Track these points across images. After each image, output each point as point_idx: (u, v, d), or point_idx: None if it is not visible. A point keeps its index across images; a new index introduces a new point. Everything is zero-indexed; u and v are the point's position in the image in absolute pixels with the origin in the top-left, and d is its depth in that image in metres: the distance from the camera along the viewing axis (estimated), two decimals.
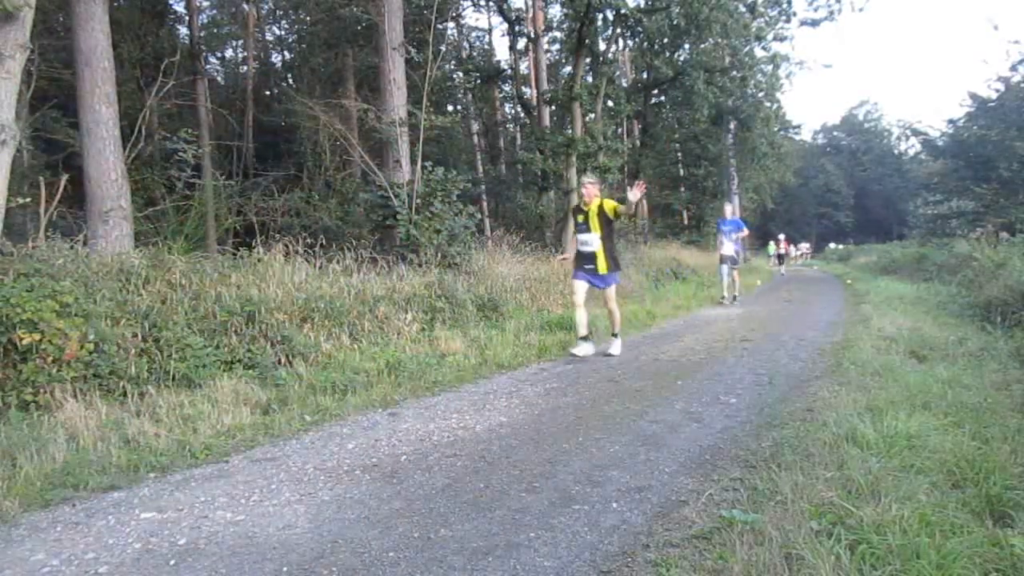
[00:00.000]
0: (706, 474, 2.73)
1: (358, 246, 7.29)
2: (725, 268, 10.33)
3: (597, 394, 4.26)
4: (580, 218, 5.75)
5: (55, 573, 2.00)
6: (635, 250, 14.71)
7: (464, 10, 17.87)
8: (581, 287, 5.67)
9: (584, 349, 5.59)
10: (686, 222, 26.05)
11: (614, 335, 5.81)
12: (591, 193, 5.74)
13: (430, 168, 8.71)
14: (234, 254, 6.27)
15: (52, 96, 9.78)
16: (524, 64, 19.17)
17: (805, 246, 40.40)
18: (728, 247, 10.27)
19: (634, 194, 5.19)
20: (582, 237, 5.72)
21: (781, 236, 23.41)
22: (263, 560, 2.05)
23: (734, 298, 10.50)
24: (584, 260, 5.70)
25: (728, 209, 10.97)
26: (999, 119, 15.76)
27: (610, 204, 5.61)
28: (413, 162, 8.97)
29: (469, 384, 4.65)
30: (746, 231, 10.66)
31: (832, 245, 45.70)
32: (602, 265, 5.62)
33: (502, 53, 29.74)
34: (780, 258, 22.48)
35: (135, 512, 2.44)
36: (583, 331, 5.64)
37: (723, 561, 1.92)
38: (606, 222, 5.62)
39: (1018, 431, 2.92)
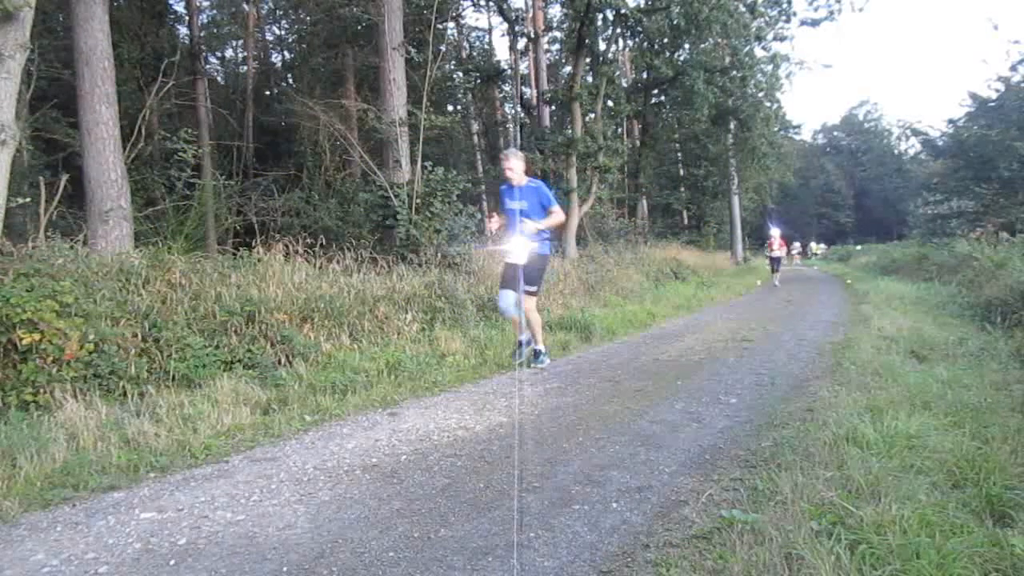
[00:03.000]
0: (706, 474, 2.73)
1: (358, 246, 7.30)
2: (511, 296, 4.88)
3: (597, 394, 4.26)
4: None
5: (55, 573, 2.00)
6: (635, 250, 14.71)
7: (464, 10, 17.89)
8: None
9: None
10: (686, 222, 26.17)
11: None
12: None
13: (430, 168, 8.72)
14: (234, 254, 6.27)
15: (52, 96, 9.80)
16: (524, 64, 19.19)
17: (796, 247, 35.82)
18: (519, 246, 4.82)
19: None
20: None
21: (775, 233, 16.97)
22: (263, 560, 2.05)
23: (524, 344, 5.08)
24: None
25: (514, 168, 4.94)
26: (999, 119, 15.82)
27: None
28: (413, 162, 8.97)
29: (469, 384, 4.65)
30: (557, 211, 4.94)
31: (813, 245, 42.51)
32: None
33: (502, 53, 29.74)
34: (775, 261, 16.80)
35: (135, 512, 2.44)
36: None
37: (723, 561, 1.92)
38: None
39: (1018, 431, 2.92)
